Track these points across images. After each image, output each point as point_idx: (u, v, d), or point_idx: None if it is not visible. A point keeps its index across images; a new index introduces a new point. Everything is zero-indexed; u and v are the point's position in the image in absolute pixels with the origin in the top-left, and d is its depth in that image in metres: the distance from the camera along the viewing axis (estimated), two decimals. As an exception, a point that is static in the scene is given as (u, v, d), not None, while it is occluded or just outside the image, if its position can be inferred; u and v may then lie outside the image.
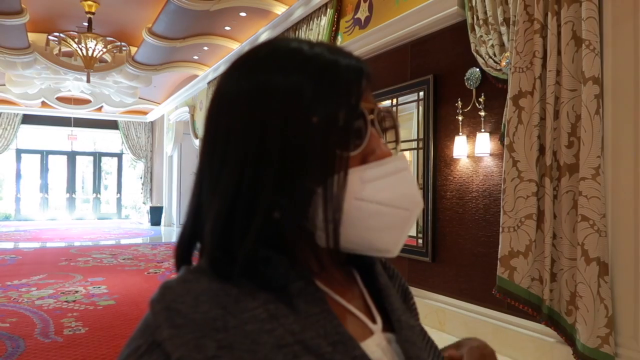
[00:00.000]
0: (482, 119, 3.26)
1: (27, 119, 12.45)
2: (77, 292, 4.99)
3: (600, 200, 2.39)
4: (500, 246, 2.77)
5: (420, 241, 3.80)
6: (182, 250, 0.50)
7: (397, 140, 0.54)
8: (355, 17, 4.72)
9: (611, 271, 2.43)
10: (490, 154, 3.25)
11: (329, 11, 5.01)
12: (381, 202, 0.46)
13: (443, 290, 3.59)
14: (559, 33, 2.59)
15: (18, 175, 13.15)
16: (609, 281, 2.40)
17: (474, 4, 3.24)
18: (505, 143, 2.79)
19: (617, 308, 2.43)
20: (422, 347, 0.53)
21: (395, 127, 0.54)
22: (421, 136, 3.84)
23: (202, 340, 0.39)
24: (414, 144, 3.97)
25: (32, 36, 7.37)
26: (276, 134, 0.45)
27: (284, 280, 0.45)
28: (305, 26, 5.46)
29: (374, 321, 0.52)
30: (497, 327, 3.12)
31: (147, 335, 0.41)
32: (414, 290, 3.84)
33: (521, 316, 2.95)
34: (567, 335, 2.54)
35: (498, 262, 2.77)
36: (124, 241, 9.68)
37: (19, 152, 13.08)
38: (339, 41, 4.91)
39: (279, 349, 0.41)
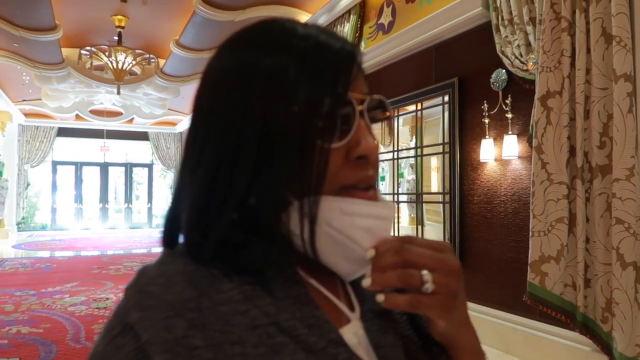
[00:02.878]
0: (509, 121, 3.19)
1: (62, 132, 12.86)
2: (107, 299, 5.09)
3: (635, 202, 2.29)
4: (530, 251, 2.69)
5: (447, 247, 3.73)
6: (167, 233, 0.50)
7: (390, 133, 0.52)
8: (379, 22, 4.70)
9: (649, 276, 2.32)
10: (519, 157, 3.16)
11: (352, 17, 5.01)
12: (352, 239, 0.45)
13: (472, 297, 3.50)
14: (587, 30, 2.51)
15: (54, 187, 13.56)
16: (647, 287, 2.29)
17: (498, 4, 3.19)
18: (533, 145, 2.71)
19: (657, 315, 2.31)
20: (396, 335, 0.51)
21: (388, 118, 0.51)
22: (447, 140, 3.78)
23: (173, 319, 0.39)
24: (440, 148, 3.92)
25: (65, 51, 7.62)
26: (257, 117, 0.44)
27: (261, 263, 0.45)
28: (328, 33, 5.48)
29: (352, 309, 0.51)
30: (529, 335, 3.02)
31: (120, 318, 0.41)
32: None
33: (554, 324, 2.85)
34: (603, 343, 2.43)
35: (528, 267, 2.69)
36: (154, 249, 9.84)
37: (55, 164, 13.50)
38: (363, 47, 4.90)
39: (253, 329, 0.40)
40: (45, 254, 8.96)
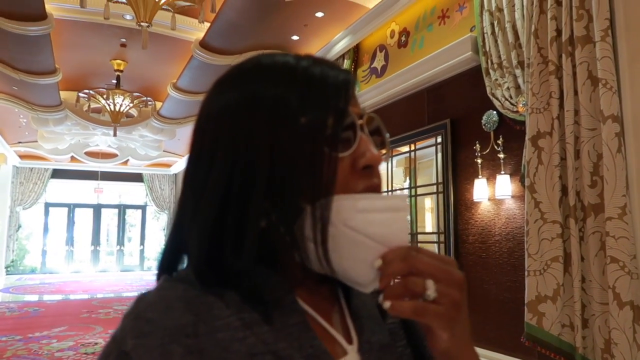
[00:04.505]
0: (502, 161, 3.24)
1: (57, 174, 12.84)
2: (96, 344, 4.95)
3: (629, 240, 2.30)
4: (526, 291, 2.67)
5: (443, 288, 3.69)
6: (166, 263, 0.50)
7: (385, 147, 0.53)
8: (372, 66, 4.83)
9: (647, 316, 2.30)
10: (512, 196, 3.19)
11: (346, 61, 5.15)
12: (369, 236, 0.44)
13: (469, 339, 3.43)
14: (574, 73, 2.59)
15: (45, 229, 13.41)
16: (645, 326, 2.26)
17: (488, 48, 3.29)
18: (526, 184, 2.74)
19: (657, 356, 2.28)
20: None
21: (382, 133, 0.53)
22: (440, 180, 3.81)
23: (170, 346, 0.39)
24: (433, 189, 3.94)
25: (63, 94, 7.72)
26: (264, 140, 0.45)
27: (262, 291, 0.45)
28: (323, 77, 5.60)
29: (350, 341, 0.50)
30: (528, 379, 2.95)
31: (116, 344, 0.41)
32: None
33: (554, 366, 2.79)
34: (604, 386, 2.37)
35: (525, 307, 2.66)
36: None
37: (47, 206, 13.39)
38: (357, 90, 5.00)
39: (250, 357, 0.40)
40: (34, 297, 8.77)
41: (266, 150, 0.45)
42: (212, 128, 0.48)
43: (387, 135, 0.54)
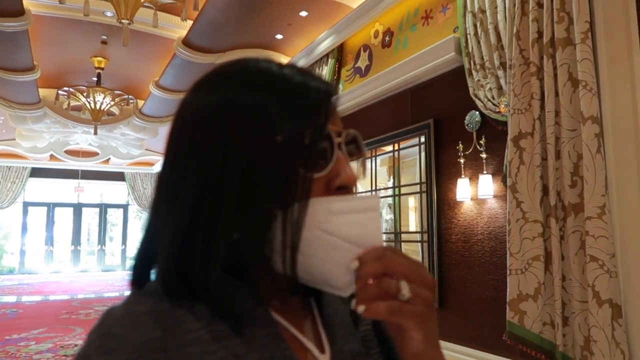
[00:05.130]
0: (484, 161, 3.27)
1: (35, 172, 12.59)
2: (76, 345, 4.87)
3: (608, 239, 2.34)
4: (508, 289, 2.70)
5: (427, 287, 3.71)
6: (137, 273, 0.49)
7: (363, 166, 0.53)
8: (356, 65, 4.84)
9: (624, 313, 2.35)
10: (494, 196, 3.22)
11: (330, 61, 5.15)
12: (345, 238, 0.44)
13: (452, 337, 3.47)
14: (555, 75, 2.63)
15: (24, 228, 13.14)
16: (624, 324, 2.31)
17: (470, 49, 3.32)
18: (508, 184, 2.77)
19: (634, 352, 2.32)
20: None
21: (361, 153, 0.52)
22: (424, 180, 3.83)
23: None
24: (417, 188, 3.97)
25: (42, 91, 7.57)
26: (240, 150, 0.44)
27: (232, 303, 0.44)
28: (307, 76, 5.59)
29: (322, 351, 0.50)
30: (510, 376, 2.98)
31: None
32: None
33: (535, 364, 2.83)
34: (584, 383, 2.42)
35: (507, 306, 2.69)
36: (127, 293, 9.52)
37: (26, 205, 13.13)
38: (340, 89, 5.01)
39: None
40: (11, 298, 8.59)
41: (241, 163, 0.44)
42: (188, 135, 0.47)
43: (366, 151, 0.53)
